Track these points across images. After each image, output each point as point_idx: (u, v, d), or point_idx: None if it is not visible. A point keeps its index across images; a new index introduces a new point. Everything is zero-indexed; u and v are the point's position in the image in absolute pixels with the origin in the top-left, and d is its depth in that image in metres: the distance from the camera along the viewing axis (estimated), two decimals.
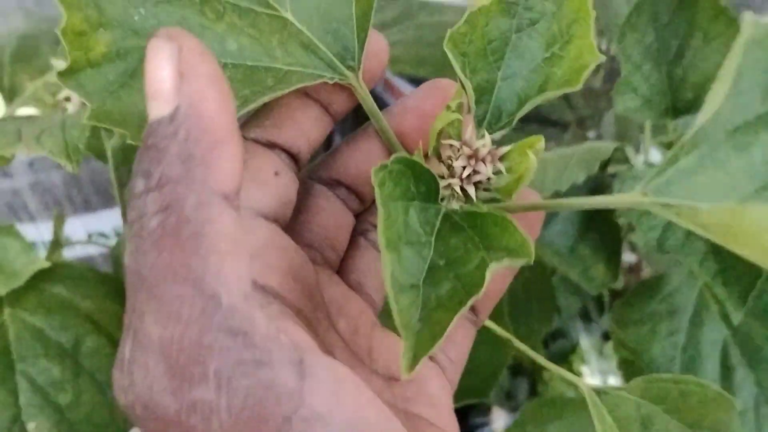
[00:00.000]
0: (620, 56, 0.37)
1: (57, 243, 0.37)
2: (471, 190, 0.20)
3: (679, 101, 0.38)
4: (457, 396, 0.35)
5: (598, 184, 0.37)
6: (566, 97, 0.62)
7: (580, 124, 0.60)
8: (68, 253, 0.52)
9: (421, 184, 0.20)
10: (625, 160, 0.38)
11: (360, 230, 0.24)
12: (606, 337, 0.67)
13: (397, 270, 0.17)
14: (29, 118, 0.28)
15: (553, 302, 0.40)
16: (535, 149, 0.20)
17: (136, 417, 0.17)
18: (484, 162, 0.20)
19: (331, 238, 0.23)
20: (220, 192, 0.17)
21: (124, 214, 0.37)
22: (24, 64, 0.35)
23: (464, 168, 0.20)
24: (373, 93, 0.22)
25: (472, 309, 0.23)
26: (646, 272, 0.62)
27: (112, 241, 0.69)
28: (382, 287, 0.23)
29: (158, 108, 0.17)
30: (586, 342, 0.66)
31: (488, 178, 0.20)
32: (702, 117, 0.18)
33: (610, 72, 0.60)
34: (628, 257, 0.60)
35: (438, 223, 0.20)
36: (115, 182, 0.37)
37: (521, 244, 0.19)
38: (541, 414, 0.39)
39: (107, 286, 0.34)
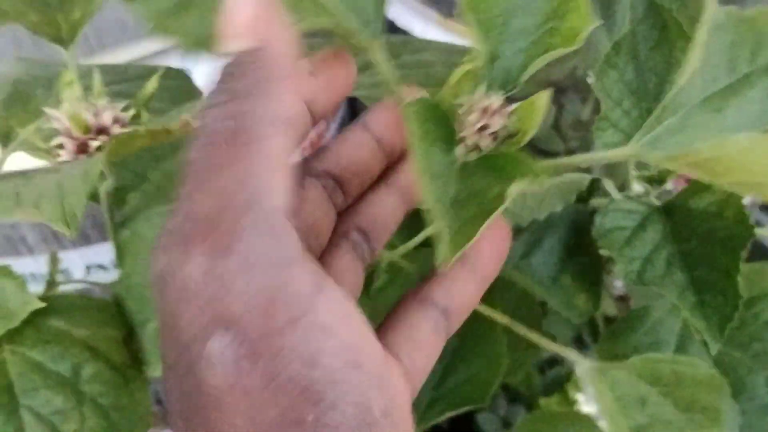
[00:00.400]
0: (600, 93, 0.38)
1: (53, 282, 0.38)
2: (483, 142, 0.23)
3: None
4: (456, 403, 0.36)
5: (579, 218, 0.38)
6: (557, 127, 0.63)
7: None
8: (67, 287, 0.53)
9: (441, 128, 0.22)
10: (606, 194, 0.38)
11: (341, 231, 0.25)
12: None
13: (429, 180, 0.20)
14: (24, 175, 0.29)
15: (540, 330, 0.40)
16: (540, 104, 0.23)
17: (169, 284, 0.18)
18: (495, 116, 0.23)
19: (317, 227, 0.25)
20: (279, 117, 0.20)
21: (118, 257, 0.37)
22: (18, 110, 0.36)
23: (477, 122, 0.23)
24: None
25: (446, 314, 0.24)
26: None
27: (111, 274, 0.70)
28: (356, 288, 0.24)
29: (236, 43, 0.20)
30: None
31: (497, 131, 0.23)
32: (676, 88, 0.22)
33: (598, 104, 0.60)
34: (618, 285, 0.61)
35: (457, 165, 0.23)
36: (109, 221, 0.38)
37: (537, 172, 0.21)
38: (535, 428, 0.40)
39: (102, 313, 0.34)
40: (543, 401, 0.68)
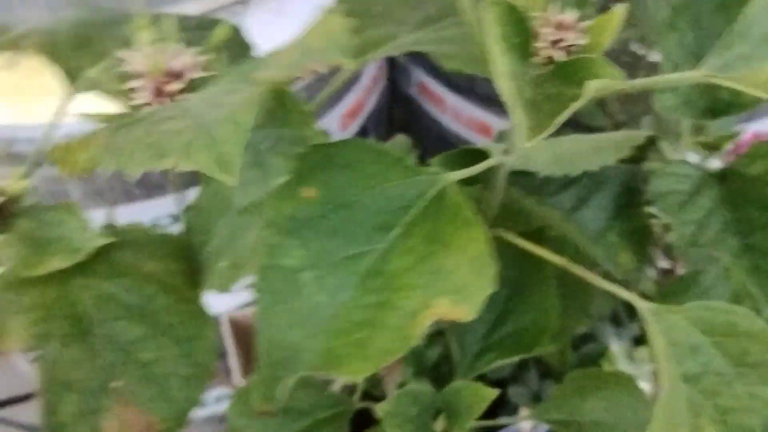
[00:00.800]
0: (661, 56, 0.38)
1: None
2: (557, 55, 0.24)
3: (718, 102, 0.38)
4: (506, 352, 0.37)
5: (631, 179, 0.38)
6: (601, 103, 0.63)
7: (615, 129, 0.61)
8: None
9: (519, 35, 0.23)
10: (660, 158, 0.39)
11: None
12: (636, 342, 0.67)
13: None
14: (145, 117, 0.28)
15: (588, 300, 0.41)
16: (615, 20, 0.23)
17: None
18: (569, 31, 0.24)
19: None
20: None
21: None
22: (83, 52, 0.36)
23: (551, 35, 0.24)
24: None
25: None
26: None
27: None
28: None
29: None
30: (616, 346, 0.67)
31: (571, 46, 0.24)
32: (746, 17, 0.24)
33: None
34: (662, 263, 0.61)
35: (532, 74, 0.23)
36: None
37: (614, 73, 0.23)
38: (582, 385, 0.40)
39: (168, 246, 0.35)
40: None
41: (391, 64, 0.97)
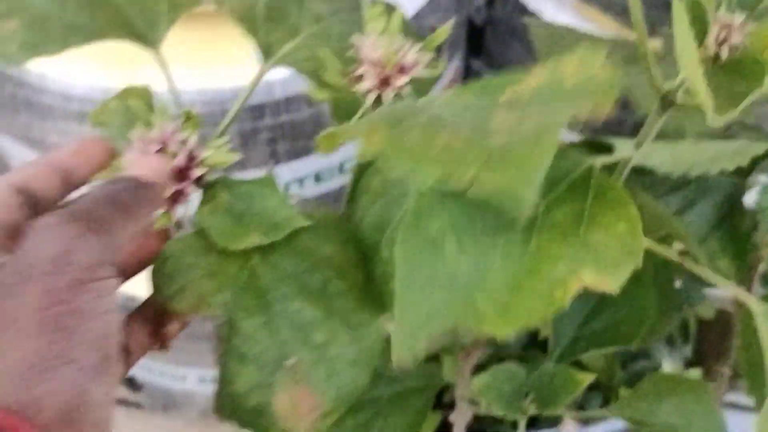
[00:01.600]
0: None
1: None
2: (722, 52, 0.26)
3: None
4: (601, 343, 0.38)
5: (736, 190, 0.40)
6: None
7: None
8: None
9: (697, 26, 0.25)
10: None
11: None
12: (688, 364, 0.69)
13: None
14: (415, 118, 0.26)
15: (680, 301, 0.42)
16: None
17: None
18: (735, 32, 0.26)
19: None
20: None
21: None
22: (275, 24, 0.36)
23: (719, 33, 0.26)
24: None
25: None
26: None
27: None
28: None
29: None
30: (668, 366, 0.68)
31: (735, 45, 0.26)
32: None
33: None
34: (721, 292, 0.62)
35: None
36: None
37: None
38: (658, 388, 0.42)
39: (344, 233, 0.35)
40: (623, 391, 0.70)
41: (467, 69, 0.99)
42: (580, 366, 0.44)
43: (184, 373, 1.00)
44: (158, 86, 0.36)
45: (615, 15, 0.74)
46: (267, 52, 0.36)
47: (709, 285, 0.41)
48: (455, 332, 0.29)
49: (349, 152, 0.74)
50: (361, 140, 0.24)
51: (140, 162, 0.31)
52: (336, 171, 0.76)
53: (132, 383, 1.06)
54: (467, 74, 0.99)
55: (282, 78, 0.66)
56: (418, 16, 0.77)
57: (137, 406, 1.11)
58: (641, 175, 0.38)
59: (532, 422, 0.77)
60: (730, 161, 0.36)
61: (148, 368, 0.99)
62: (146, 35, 0.36)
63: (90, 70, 0.67)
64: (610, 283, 0.28)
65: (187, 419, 1.11)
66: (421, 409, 0.41)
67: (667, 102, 0.30)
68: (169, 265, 0.32)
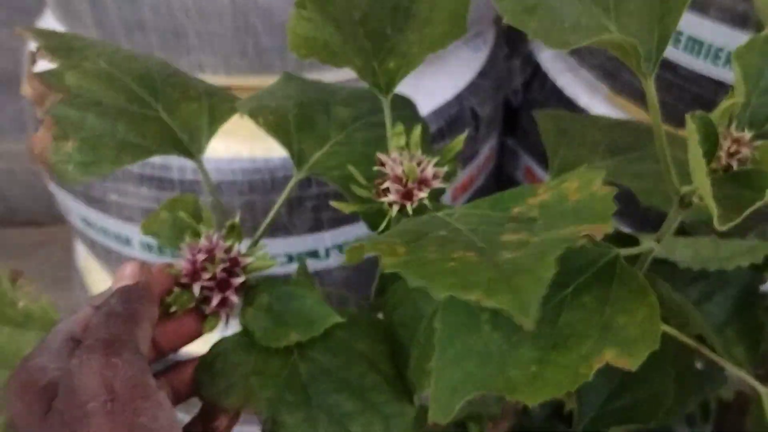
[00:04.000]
0: None
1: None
2: (733, 163, 0.29)
3: None
4: (622, 420, 0.40)
5: (752, 283, 0.43)
6: None
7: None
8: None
9: (708, 143, 0.28)
10: None
11: None
12: None
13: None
14: (432, 236, 0.29)
15: (699, 385, 0.45)
16: None
17: None
18: (744, 146, 0.29)
19: None
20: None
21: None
22: (306, 134, 0.39)
23: (730, 147, 0.29)
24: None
25: None
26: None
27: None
28: None
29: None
30: None
31: (744, 158, 0.29)
32: None
33: None
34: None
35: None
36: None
37: None
38: None
39: (376, 329, 0.38)
40: None
41: (501, 146, 1.03)
42: None
43: None
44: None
45: (645, 105, 0.78)
46: (299, 160, 0.39)
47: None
48: (486, 400, 0.32)
49: None
50: (384, 256, 0.26)
51: (129, 270, 0.34)
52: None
53: None
54: (502, 152, 1.03)
55: None
56: (460, 97, 0.81)
57: None
58: (663, 265, 0.42)
59: None
60: (745, 258, 0.39)
61: None
62: (190, 148, 0.39)
63: None
64: (630, 362, 0.31)
65: None
66: None
67: (684, 203, 0.33)
68: (218, 363, 0.35)
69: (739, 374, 0.36)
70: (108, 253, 0.85)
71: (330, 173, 0.39)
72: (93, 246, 0.87)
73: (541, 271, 0.24)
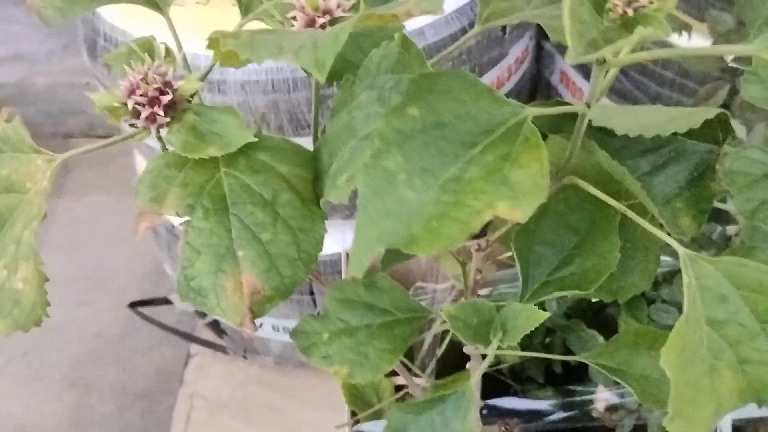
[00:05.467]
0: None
1: None
2: (629, 12, 0.30)
3: None
4: (564, 287, 0.42)
5: (708, 157, 0.42)
6: (727, 108, 0.66)
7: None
8: None
9: None
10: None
11: None
12: None
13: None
14: (283, 32, 0.36)
15: (657, 259, 0.45)
16: None
17: None
18: None
19: None
20: None
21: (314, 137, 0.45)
22: None
23: None
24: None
25: None
26: None
27: None
28: None
29: None
30: None
31: (643, 6, 0.30)
32: None
33: None
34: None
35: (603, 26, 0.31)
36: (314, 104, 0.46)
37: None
38: (635, 341, 0.45)
39: (299, 157, 0.42)
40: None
41: (539, 49, 1.02)
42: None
43: (260, 320, 1.10)
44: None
45: None
46: (247, 8, 0.44)
47: None
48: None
49: None
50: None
51: None
52: None
53: (217, 328, 1.16)
54: (539, 55, 1.01)
55: None
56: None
57: (222, 350, 1.23)
58: (612, 137, 0.42)
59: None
60: (682, 124, 0.39)
61: None
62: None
63: None
64: (520, 215, 0.32)
65: (263, 364, 1.21)
66: (405, 337, 0.46)
67: (600, 61, 0.33)
68: (151, 177, 0.40)
69: (662, 237, 0.36)
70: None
71: (270, 18, 0.43)
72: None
73: (340, 35, 0.29)
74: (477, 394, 0.54)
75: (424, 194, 0.34)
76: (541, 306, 0.42)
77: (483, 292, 0.78)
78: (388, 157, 0.34)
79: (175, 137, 0.40)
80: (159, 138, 0.42)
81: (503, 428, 0.59)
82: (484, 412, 0.77)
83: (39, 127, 1.67)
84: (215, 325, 1.15)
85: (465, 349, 0.48)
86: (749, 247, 0.42)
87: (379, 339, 0.46)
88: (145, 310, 1.23)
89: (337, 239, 0.82)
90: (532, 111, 0.35)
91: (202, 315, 1.13)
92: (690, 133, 0.42)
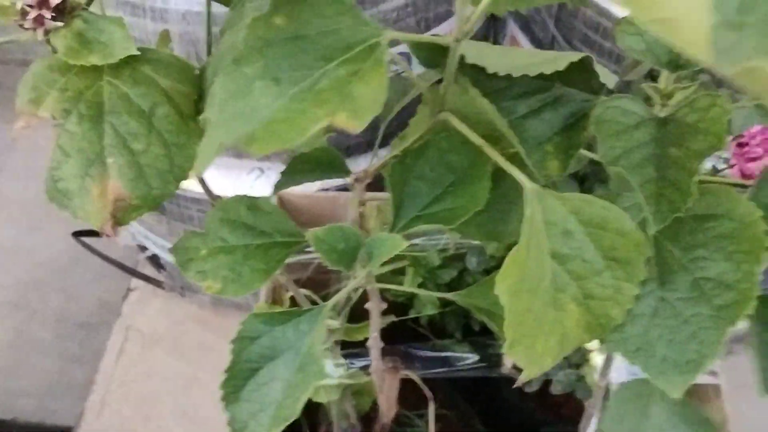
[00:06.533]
0: None
1: None
2: None
3: (680, 59, 0.42)
4: (430, 221, 0.43)
5: (585, 107, 0.43)
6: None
7: None
8: None
9: None
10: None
11: None
12: None
13: None
14: None
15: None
16: None
17: None
18: None
19: None
20: None
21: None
22: None
23: None
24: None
25: None
26: None
27: None
28: None
29: None
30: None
31: None
32: None
33: None
34: None
35: None
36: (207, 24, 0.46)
37: None
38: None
39: (185, 73, 0.43)
40: None
41: (491, 13, 1.02)
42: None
43: None
44: None
45: None
46: None
47: None
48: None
49: None
50: None
51: None
52: None
53: (156, 262, 1.17)
54: (493, 19, 1.01)
55: None
56: None
57: (160, 285, 1.24)
58: (494, 79, 0.42)
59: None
60: (550, 66, 0.39)
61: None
62: None
63: None
64: (357, 125, 0.33)
65: (201, 303, 1.22)
66: (281, 258, 0.47)
67: None
68: (32, 79, 0.40)
69: (511, 172, 0.37)
70: None
71: None
72: None
73: None
74: (376, 334, 0.55)
75: (276, 101, 0.34)
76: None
77: None
78: (248, 63, 0.35)
79: (60, 42, 0.40)
80: (48, 42, 0.42)
81: (390, 364, 0.60)
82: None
83: None
84: (155, 259, 1.15)
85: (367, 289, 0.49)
86: (614, 195, 0.43)
87: (254, 259, 0.47)
88: (92, 241, 1.24)
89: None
90: (390, 35, 0.35)
91: (143, 249, 1.13)
92: (569, 81, 0.43)
